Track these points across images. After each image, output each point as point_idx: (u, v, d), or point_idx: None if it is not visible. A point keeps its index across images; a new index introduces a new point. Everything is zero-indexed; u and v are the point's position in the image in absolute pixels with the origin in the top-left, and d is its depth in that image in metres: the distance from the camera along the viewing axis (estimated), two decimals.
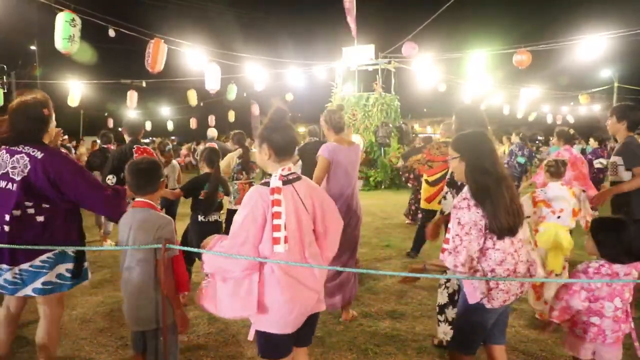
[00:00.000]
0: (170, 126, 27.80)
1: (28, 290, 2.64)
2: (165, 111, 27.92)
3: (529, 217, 3.67)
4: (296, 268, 2.10)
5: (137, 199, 2.54)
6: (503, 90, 20.36)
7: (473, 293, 2.28)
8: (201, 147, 12.97)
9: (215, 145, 5.73)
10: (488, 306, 2.27)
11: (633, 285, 2.46)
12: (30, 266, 2.61)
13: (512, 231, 2.26)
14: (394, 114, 15.29)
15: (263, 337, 2.16)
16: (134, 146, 4.59)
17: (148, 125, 27.06)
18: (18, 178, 2.58)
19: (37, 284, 2.63)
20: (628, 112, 3.79)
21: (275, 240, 2.01)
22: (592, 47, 11.03)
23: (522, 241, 2.37)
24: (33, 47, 23.22)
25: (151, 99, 26.70)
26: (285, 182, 2.11)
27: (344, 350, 3.40)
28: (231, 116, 23.57)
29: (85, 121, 29.22)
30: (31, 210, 2.61)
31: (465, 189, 2.31)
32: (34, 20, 21.74)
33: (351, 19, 14.52)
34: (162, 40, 9.33)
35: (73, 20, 7.69)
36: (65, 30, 7.61)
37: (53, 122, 2.82)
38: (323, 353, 3.35)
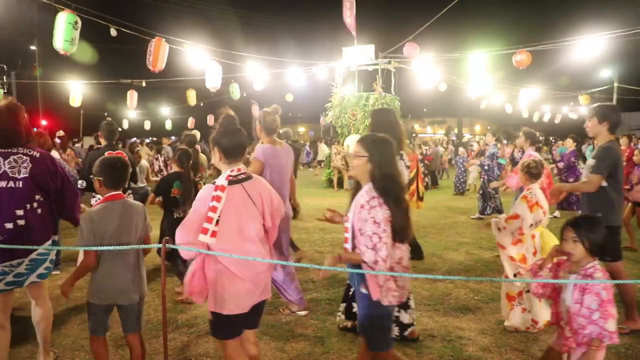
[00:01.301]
0: (168, 125, 27.77)
1: (33, 277, 2.94)
2: (165, 111, 27.90)
3: (532, 224, 3.58)
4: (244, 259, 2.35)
5: (111, 193, 2.73)
6: (503, 90, 20.36)
7: (377, 289, 2.35)
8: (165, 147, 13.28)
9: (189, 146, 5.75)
10: (385, 303, 2.35)
11: None
12: (38, 254, 2.93)
13: (406, 236, 2.40)
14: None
15: (218, 318, 2.42)
16: (107, 151, 4.70)
17: (147, 125, 27.08)
18: (21, 176, 2.84)
19: (41, 269, 2.98)
20: (610, 113, 3.67)
21: (204, 230, 2.26)
22: (592, 47, 11.02)
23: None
24: (33, 47, 23.20)
25: (151, 98, 26.68)
26: (233, 182, 2.35)
27: (344, 350, 3.40)
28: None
29: (85, 121, 29.20)
30: (35, 204, 2.92)
31: (369, 188, 2.36)
32: (34, 20, 21.78)
33: (351, 19, 14.51)
34: (163, 40, 9.32)
35: (76, 22, 7.65)
36: (68, 32, 7.56)
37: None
38: (323, 353, 3.35)
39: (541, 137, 29.39)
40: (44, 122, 25.68)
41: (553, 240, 3.65)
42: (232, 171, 2.39)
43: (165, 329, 2.25)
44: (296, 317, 3.98)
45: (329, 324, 3.82)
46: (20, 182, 2.83)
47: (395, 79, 15.83)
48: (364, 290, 2.41)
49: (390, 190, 2.34)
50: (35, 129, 4.24)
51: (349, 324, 3.64)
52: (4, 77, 20.48)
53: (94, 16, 8.90)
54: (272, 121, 4.04)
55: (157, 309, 4.13)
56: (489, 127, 35.99)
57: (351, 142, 11.37)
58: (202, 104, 19.76)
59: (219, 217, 2.27)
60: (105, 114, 27.70)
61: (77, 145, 15.88)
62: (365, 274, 2.33)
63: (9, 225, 2.80)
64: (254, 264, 2.36)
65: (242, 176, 2.41)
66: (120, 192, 2.76)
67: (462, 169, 13.06)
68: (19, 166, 2.84)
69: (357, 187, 2.52)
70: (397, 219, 2.31)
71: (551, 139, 33.94)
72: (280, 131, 7.74)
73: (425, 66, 14.58)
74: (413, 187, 5.79)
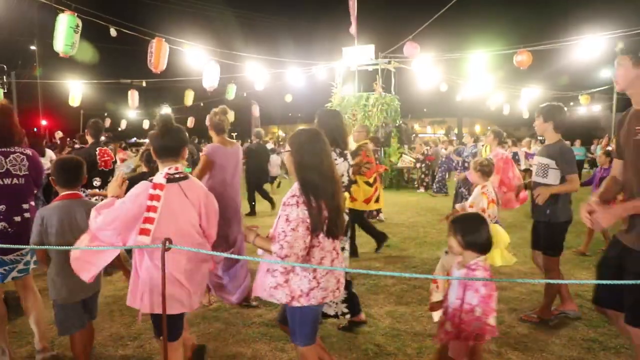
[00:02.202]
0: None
1: (21, 266, 3.15)
2: (165, 111, 27.89)
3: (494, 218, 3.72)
4: (183, 263, 2.39)
5: (66, 192, 2.83)
6: (503, 90, 20.36)
7: (261, 287, 2.40)
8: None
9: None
10: (306, 304, 2.32)
11: None
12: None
13: (335, 232, 2.33)
14: (394, 114, 15.28)
15: (158, 319, 2.34)
16: (97, 148, 5.17)
17: (146, 125, 27.09)
18: (22, 173, 3.11)
19: (32, 262, 3.22)
20: (554, 112, 3.77)
21: (143, 231, 2.24)
22: (592, 47, 11.02)
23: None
24: (33, 47, 23.19)
25: (151, 98, 26.75)
26: (171, 180, 2.37)
27: (344, 350, 3.39)
28: (231, 116, 23.55)
29: (85, 121, 29.20)
30: (32, 198, 3.20)
31: (295, 185, 2.33)
32: (34, 20, 21.78)
33: (352, 18, 14.51)
34: (164, 40, 9.31)
35: (77, 26, 7.61)
36: (69, 36, 7.53)
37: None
38: None
39: (540, 137, 29.39)
40: (44, 122, 25.70)
41: (504, 236, 3.72)
42: (169, 169, 2.40)
43: (165, 329, 2.24)
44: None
45: (329, 324, 3.82)
46: (23, 179, 3.11)
47: (395, 79, 15.83)
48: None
49: (310, 182, 2.27)
50: (35, 129, 4.48)
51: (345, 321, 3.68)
52: (4, 77, 20.48)
53: (94, 16, 8.90)
54: (220, 121, 4.18)
55: None
56: (489, 127, 35.97)
57: (350, 142, 11.38)
58: (202, 104, 19.76)
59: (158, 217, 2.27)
60: (105, 114, 27.73)
61: (76, 146, 15.82)
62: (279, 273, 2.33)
63: (18, 219, 3.08)
64: (187, 265, 2.39)
65: (179, 175, 2.44)
66: (76, 191, 2.88)
67: (444, 168, 13.18)
68: (19, 164, 3.10)
69: None
70: (315, 217, 2.23)
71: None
72: (255, 131, 7.92)
73: (425, 66, 14.58)
74: (375, 186, 6.09)
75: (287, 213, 2.23)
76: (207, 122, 4.28)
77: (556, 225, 3.76)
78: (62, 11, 7.64)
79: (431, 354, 3.31)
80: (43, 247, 2.75)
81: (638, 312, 2.34)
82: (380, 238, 6.29)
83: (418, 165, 14.18)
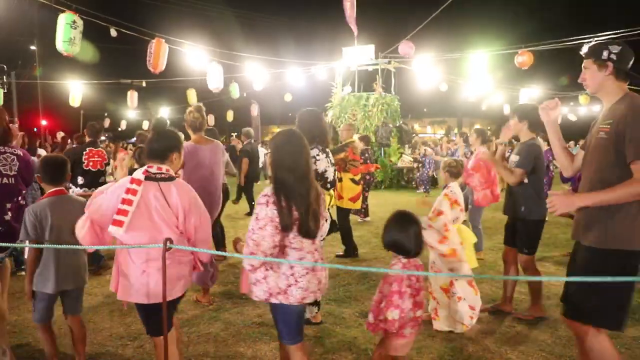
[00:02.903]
0: (169, 125, 27.76)
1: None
2: (165, 111, 27.88)
3: (453, 220, 3.71)
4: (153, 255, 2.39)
5: (53, 189, 2.91)
6: (503, 90, 20.34)
7: (245, 284, 2.45)
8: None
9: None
10: (285, 302, 2.33)
11: None
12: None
13: (308, 232, 2.33)
14: (394, 114, 15.28)
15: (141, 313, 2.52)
16: (89, 147, 5.44)
17: (146, 125, 27.06)
18: (12, 173, 3.16)
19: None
20: (528, 112, 3.84)
21: (116, 222, 2.29)
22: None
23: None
24: (33, 47, 23.19)
25: (151, 98, 26.70)
26: (149, 178, 2.41)
27: (344, 350, 3.39)
28: (230, 116, 23.55)
29: (85, 121, 29.21)
30: (20, 197, 3.25)
31: (268, 186, 2.37)
32: (34, 20, 21.80)
33: (351, 19, 14.51)
34: (163, 40, 9.31)
35: (74, 22, 7.63)
36: (66, 32, 7.56)
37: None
38: (323, 353, 3.35)
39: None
40: (44, 122, 25.69)
41: (470, 236, 3.82)
42: (150, 167, 2.45)
43: (166, 329, 2.24)
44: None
45: (329, 324, 3.82)
46: (12, 179, 3.17)
47: (395, 79, 15.83)
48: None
49: (283, 182, 2.28)
50: (35, 129, 4.59)
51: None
52: (4, 77, 20.44)
53: (94, 16, 8.90)
54: (194, 119, 4.20)
55: None
56: (488, 127, 35.98)
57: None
58: (201, 104, 19.75)
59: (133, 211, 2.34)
60: (105, 114, 27.73)
61: (73, 145, 15.83)
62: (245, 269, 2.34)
63: (7, 217, 3.12)
64: (155, 259, 2.39)
65: (161, 175, 2.45)
66: (62, 187, 2.98)
67: (433, 168, 13.34)
68: (9, 164, 3.17)
69: None
70: (284, 217, 2.24)
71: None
72: (244, 130, 8.00)
73: (425, 66, 14.58)
74: (361, 185, 6.17)
75: (257, 212, 2.28)
76: (184, 121, 4.32)
77: (531, 223, 3.82)
78: (63, 11, 7.65)
79: (431, 354, 3.32)
80: (42, 245, 2.78)
81: (577, 304, 2.38)
82: (350, 251, 6.02)
83: (416, 165, 14.20)
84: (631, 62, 2.36)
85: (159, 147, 2.53)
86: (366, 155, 7.95)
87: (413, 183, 14.35)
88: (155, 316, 2.37)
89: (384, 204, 10.57)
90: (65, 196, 3.00)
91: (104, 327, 3.82)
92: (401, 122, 15.78)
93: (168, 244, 2.12)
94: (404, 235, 2.49)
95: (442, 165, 4.06)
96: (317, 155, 3.70)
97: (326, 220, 2.56)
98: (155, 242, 2.31)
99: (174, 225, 2.44)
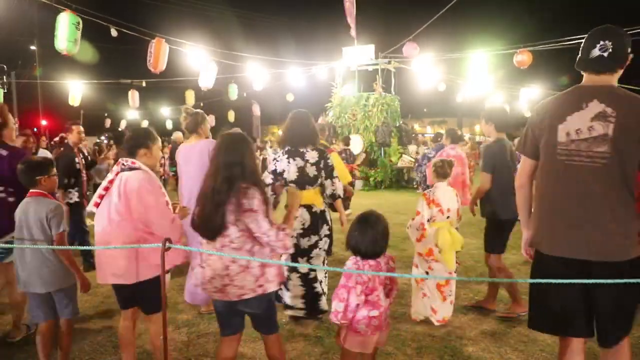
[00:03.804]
0: (169, 125, 27.76)
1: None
2: (165, 111, 27.89)
3: (429, 219, 3.76)
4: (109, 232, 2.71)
5: (31, 190, 2.97)
6: (503, 90, 20.34)
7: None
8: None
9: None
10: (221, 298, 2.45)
11: None
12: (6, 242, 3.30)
13: (201, 234, 2.42)
14: (394, 114, 15.27)
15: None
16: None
17: (146, 125, 27.06)
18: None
19: None
20: (494, 114, 4.00)
21: (95, 204, 2.76)
22: None
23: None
24: (33, 47, 23.17)
25: (151, 98, 26.68)
26: (122, 170, 2.75)
27: None
28: (231, 116, 23.54)
29: (85, 121, 29.23)
30: (3, 194, 3.39)
31: None
32: (34, 20, 21.78)
33: (351, 19, 14.51)
34: (164, 40, 9.31)
35: (78, 23, 7.68)
36: (72, 33, 7.59)
37: (10, 125, 3.62)
38: (323, 353, 3.35)
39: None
40: (44, 122, 25.69)
41: (458, 240, 3.82)
42: (125, 161, 2.77)
43: (165, 329, 2.25)
44: (295, 317, 3.96)
45: (329, 324, 3.82)
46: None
47: (395, 79, 15.84)
48: None
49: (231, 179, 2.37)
50: (35, 129, 4.73)
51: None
52: (4, 77, 20.44)
53: (95, 16, 8.90)
54: (184, 121, 4.32)
55: None
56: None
57: (352, 142, 11.40)
58: (202, 104, 19.75)
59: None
60: (105, 114, 27.73)
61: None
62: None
63: None
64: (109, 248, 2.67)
65: (125, 167, 2.76)
66: (36, 189, 2.99)
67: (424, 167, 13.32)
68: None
69: None
70: (193, 215, 2.46)
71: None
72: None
73: (425, 66, 14.57)
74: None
75: None
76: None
77: (496, 223, 3.89)
78: (63, 11, 7.65)
79: (431, 354, 3.32)
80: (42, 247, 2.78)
81: (624, 321, 2.27)
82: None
83: (415, 165, 14.20)
84: None
85: (127, 145, 2.87)
86: (343, 155, 8.02)
87: (414, 183, 14.36)
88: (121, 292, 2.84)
89: (384, 204, 10.58)
90: (38, 198, 2.93)
91: (103, 327, 3.84)
92: (401, 122, 15.78)
93: (167, 244, 2.13)
94: (359, 237, 2.52)
95: (431, 164, 4.08)
96: (278, 157, 3.85)
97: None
98: (108, 219, 2.68)
99: (123, 212, 2.68)
